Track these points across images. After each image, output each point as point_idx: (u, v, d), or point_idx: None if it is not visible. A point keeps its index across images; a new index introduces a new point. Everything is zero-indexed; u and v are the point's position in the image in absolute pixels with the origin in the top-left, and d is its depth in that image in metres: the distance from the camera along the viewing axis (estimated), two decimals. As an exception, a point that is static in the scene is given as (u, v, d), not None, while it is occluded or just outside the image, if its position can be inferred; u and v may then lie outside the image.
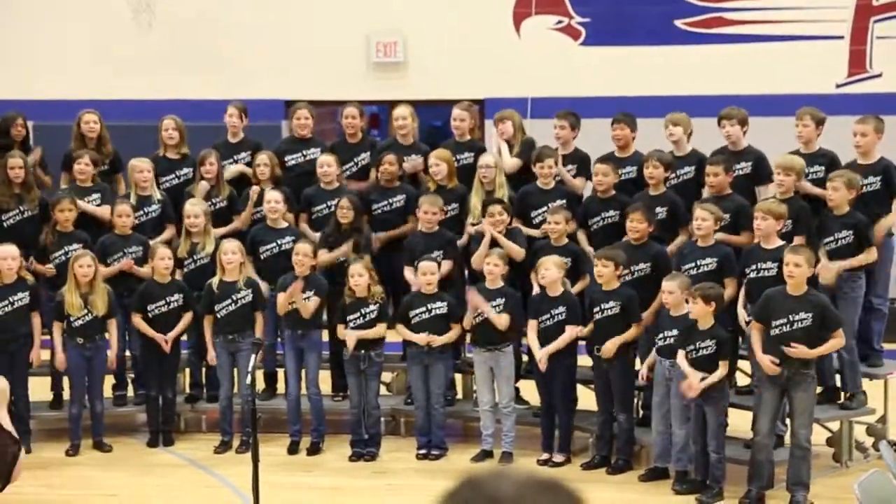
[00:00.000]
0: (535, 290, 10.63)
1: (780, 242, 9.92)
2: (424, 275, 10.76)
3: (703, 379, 9.55)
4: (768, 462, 9.52)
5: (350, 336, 10.74)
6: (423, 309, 10.77)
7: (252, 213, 11.73)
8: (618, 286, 10.34)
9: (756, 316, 9.60)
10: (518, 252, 10.89)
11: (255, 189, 11.66)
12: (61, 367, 11.09)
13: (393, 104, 12.38)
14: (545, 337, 10.49)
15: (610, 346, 10.23)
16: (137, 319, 11.16)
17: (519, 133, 11.66)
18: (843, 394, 10.56)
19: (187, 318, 11.22)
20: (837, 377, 10.55)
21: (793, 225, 10.28)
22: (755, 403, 9.64)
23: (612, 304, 10.28)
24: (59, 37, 15.57)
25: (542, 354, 10.42)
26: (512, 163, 11.49)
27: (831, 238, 10.26)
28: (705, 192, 10.84)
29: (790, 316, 9.29)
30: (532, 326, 10.56)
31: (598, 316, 10.34)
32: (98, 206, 11.75)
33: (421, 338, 10.71)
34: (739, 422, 10.26)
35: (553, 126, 11.55)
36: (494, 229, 10.88)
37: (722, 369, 9.64)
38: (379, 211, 11.63)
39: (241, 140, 12.22)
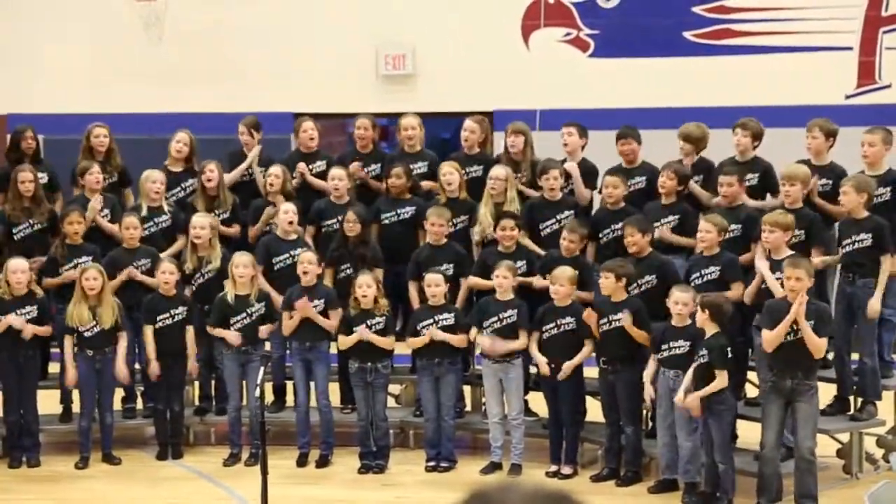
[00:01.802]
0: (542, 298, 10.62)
1: (790, 253, 9.89)
2: (430, 287, 10.75)
3: (694, 389, 9.54)
4: (776, 475, 9.48)
5: (358, 335, 10.71)
6: (431, 321, 10.75)
7: (262, 228, 11.74)
8: (625, 297, 10.33)
9: (763, 324, 9.58)
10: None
11: (269, 210, 11.62)
12: (71, 383, 11.09)
13: (401, 116, 12.38)
14: (552, 345, 10.50)
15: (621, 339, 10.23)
16: (148, 334, 11.13)
17: (528, 149, 11.64)
18: (853, 404, 10.53)
19: (191, 332, 11.21)
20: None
21: (805, 236, 10.26)
22: (761, 416, 9.62)
23: (619, 315, 10.26)
24: (67, 50, 15.59)
25: (566, 367, 10.42)
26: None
27: (849, 240, 10.22)
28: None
29: (791, 325, 9.28)
30: (534, 339, 10.57)
31: (605, 327, 10.31)
32: (108, 219, 11.78)
33: (425, 339, 10.70)
34: (748, 434, 10.23)
35: (561, 134, 11.55)
36: (505, 243, 10.91)
37: (719, 380, 9.53)
38: (387, 221, 11.65)
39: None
